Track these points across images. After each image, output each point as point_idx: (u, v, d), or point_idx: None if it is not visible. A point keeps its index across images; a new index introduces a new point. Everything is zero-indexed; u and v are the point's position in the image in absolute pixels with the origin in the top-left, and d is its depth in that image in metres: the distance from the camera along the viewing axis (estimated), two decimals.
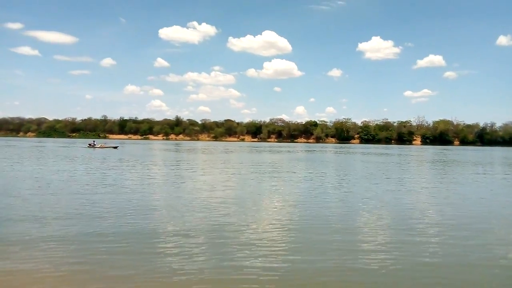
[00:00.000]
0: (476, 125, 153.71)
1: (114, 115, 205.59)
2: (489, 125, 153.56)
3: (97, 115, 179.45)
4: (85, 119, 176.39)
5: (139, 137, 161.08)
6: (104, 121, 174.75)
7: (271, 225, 9.91)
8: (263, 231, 9.27)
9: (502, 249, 8.19)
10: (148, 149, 61.75)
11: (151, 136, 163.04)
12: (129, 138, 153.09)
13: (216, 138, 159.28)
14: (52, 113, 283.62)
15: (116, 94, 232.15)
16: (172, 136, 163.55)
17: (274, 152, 58.44)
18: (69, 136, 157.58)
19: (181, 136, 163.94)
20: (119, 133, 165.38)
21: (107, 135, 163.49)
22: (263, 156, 45.91)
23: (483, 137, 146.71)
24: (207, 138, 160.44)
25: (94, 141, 64.77)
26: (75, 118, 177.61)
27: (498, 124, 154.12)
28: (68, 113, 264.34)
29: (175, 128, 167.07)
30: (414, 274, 6.61)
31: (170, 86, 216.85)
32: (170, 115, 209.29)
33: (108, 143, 77.07)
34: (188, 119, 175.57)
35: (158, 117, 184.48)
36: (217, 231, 9.08)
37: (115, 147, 59.49)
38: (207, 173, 23.59)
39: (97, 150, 52.27)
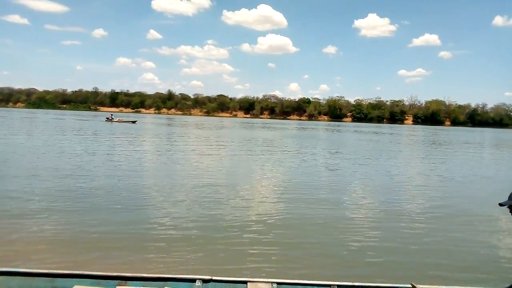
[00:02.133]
0: (468, 106, 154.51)
1: (105, 87, 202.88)
2: (480, 106, 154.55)
3: (88, 87, 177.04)
4: (75, 91, 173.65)
5: (131, 110, 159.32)
6: (95, 93, 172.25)
7: (261, 201, 9.85)
8: (256, 203, 9.24)
9: (486, 228, 8.25)
10: (157, 124, 61.02)
11: (142, 110, 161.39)
12: (121, 111, 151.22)
13: (208, 113, 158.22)
14: (42, 84, 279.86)
15: (107, 66, 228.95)
16: (164, 110, 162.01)
17: (271, 129, 58.38)
18: (59, 108, 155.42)
19: (173, 110, 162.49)
20: (110, 106, 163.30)
21: (98, 107, 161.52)
22: (261, 133, 45.83)
23: (474, 118, 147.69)
24: (200, 113, 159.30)
25: (112, 115, 62.79)
26: (66, 90, 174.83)
27: (490, 105, 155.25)
28: (58, 84, 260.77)
29: (167, 102, 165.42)
30: (400, 252, 6.59)
31: (162, 59, 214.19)
32: (162, 88, 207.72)
33: (125, 117, 74.29)
34: (180, 94, 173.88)
35: (150, 91, 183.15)
36: (208, 208, 8.99)
37: (134, 122, 57.94)
38: (210, 148, 23.46)
39: (116, 124, 51.06)
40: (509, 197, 3.39)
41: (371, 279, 4.34)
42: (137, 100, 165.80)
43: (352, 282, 4.01)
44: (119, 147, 22.36)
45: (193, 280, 3.74)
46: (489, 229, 8.45)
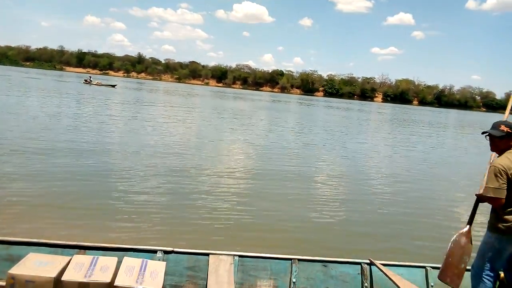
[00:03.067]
0: (436, 87, 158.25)
1: (72, 46, 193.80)
2: (447, 87, 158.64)
3: (53, 45, 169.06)
4: (40, 48, 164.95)
5: (98, 72, 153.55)
6: (61, 52, 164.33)
7: (229, 171, 9.82)
8: (221, 176, 9.23)
9: (448, 204, 8.59)
10: (130, 89, 58.43)
11: (111, 72, 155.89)
12: (87, 72, 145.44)
13: (179, 80, 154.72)
14: (3, 39, 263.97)
15: (74, 23, 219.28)
16: (133, 74, 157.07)
17: (245, 100, 57.94)
18: (22, 65, 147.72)
19: (142, 74, 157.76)
20: (77, 66, 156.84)
21: (63, 67, 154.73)
22: (234, 104, 45.43)
23: (441, 99, 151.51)
24: (170, 79, 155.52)
25: (90, 77, 59.49)
26: (29, 46, 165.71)
27: (456, 87, 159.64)
28: (21, 40, 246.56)
29: (137, 66, 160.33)
30: (361, 224, 6.78)
31: (133, 20, 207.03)
32: (132, 51, 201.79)
33: (105, 80, 69.77)
34: (151, 58, 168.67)
35: (119, 53, 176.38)
36: (177, 175, 8.88)
37: (113, 86, 54.54)
38: (184, 117, 23.02)
39: (94, 88, 48.22)
40: (492, 127, 3.52)
41: (331, 254, 4.39)
42: (105, 61, 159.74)
43: (313, 256, 4.03)
44: (95, 111, 21.67)
45: (154, 251, 3.64)
46: (450, 206, 8.77)
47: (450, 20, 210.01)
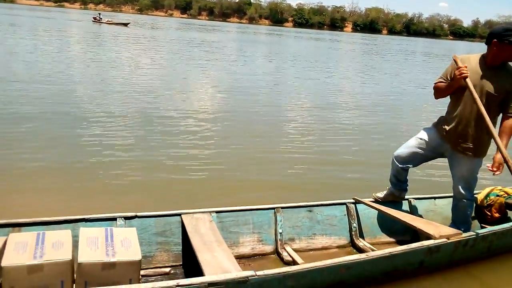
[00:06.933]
0: (405, 15, 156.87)
1: None
2: (416, 15, 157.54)
3: None
4: None
5: (53, 4, 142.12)
6: None
7: (198, 108, 9.12)
8: (191, 114, 8.58)
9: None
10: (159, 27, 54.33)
11: (66, 4, 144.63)
12: (41, 5, 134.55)
13: (141, 11, 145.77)
14: None
15: None
16: (91, 5, 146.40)
17: (214, 32, 55.40)
18: None
19: (101, 6, 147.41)
20: None
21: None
22: (205, 36, 43.29)
23: (410, 27, 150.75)
24: (131, 11, 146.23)
25: (99, 14, 53.81)
26: None
27: (425, 15, 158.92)
28: None
29: None
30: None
31: None
32: None
33: (116, 18, 62.55)
34: None
35: None
36: (146, 115, 8.14)
37: (126, 25, 49.18)
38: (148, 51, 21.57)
39: (105, 27, 43.15)
40: None
41: (315, 198, 4.06)
42: None
43: (297, 202, 3.73)
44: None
45: (113, 219, 3.04)
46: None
47: None
